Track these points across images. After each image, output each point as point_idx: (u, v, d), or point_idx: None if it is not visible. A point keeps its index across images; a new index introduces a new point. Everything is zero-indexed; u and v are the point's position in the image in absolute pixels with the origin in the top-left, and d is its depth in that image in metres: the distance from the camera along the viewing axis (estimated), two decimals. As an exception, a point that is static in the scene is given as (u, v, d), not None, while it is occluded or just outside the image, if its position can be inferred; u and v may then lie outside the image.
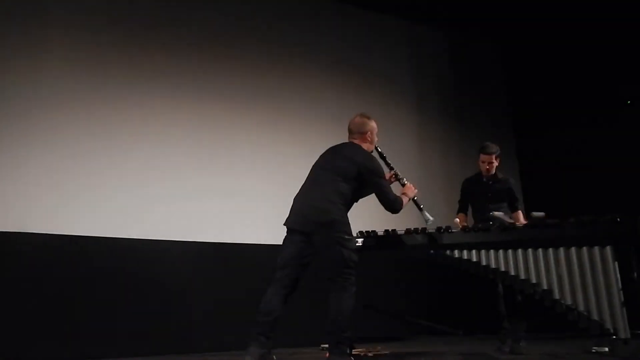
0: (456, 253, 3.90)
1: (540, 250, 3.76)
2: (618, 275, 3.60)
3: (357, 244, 3.79)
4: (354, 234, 4.09)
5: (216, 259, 5.37)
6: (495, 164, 4.61)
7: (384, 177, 3.67)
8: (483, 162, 4.60)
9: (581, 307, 3.62)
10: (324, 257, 3.43)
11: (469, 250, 3.87)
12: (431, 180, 6.85)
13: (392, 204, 3.60)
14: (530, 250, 3.78)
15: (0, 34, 4.84)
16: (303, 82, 6.34)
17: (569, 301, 3.65)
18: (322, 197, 3.47)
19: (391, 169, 3.88)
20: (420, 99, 7.22)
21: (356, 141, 3.72)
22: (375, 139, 3.80)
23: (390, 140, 6.79)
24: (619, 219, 3.68)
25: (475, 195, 4.70)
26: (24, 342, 4.38)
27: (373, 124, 3.78)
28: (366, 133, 3.72)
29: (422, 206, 3.88)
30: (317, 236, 3.41)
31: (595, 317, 3.58)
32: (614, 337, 3.57)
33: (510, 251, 3.81)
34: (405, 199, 3.74)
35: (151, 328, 4.88)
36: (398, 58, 7.19)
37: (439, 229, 3.99)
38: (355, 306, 3.45)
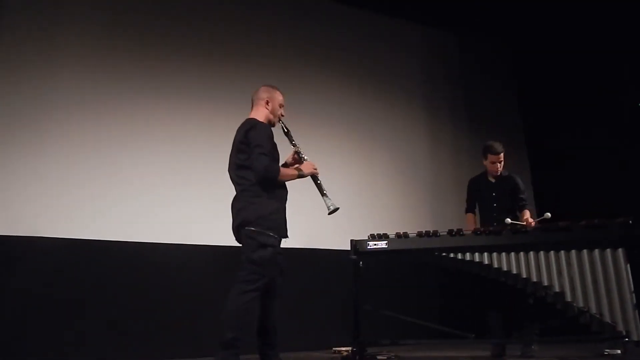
0: (467, 256, 3.91)
1: (552, 252, 3.77)
2: (630, 278, 3.60)
3: (271, 238, 3.29)
4: (365, 237, 4.13)
5: (227, 261, 5.38)
6: (503, 161, 4.62)
7: (261, 143, 3.30)
8: (493, 162, 4.58)
9: (593, 310, 3.62)
10: (242, 255, 3.29)
11: (480, 253, 3.88)
12: (442, 182, 6.86)
13: (261, 171, 3.25)
14: (542, 252, 3.78)
15: (12, 42, 4.89)
16: (312, 85, 6.35)
17: (580, 304, 3.65)
18: (236, 203, 3.38)
19: (293, 145, 3.61)
20: (431, 101, 7.22)
21: (252, 111, 3.55)
22: (279, 109, 3.57)
23: (401, 142, 6.87)
24: (631, 222, 3.68)
25: (481, 194, 4.70)
26: (34, 346, 4.41)
27: (273, 93, 3.57)
28: (262, 100, 3.53)
29: (325, 191, 3.53)
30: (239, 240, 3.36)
31: (607, 319, 3.58)
32: (627, 339, 3.56)
33: (521, 254, 3.82)
34: (291, 171, 3.45)
35: (161, 332, 4.88)
36: (409, 60, 7.20)
37: (450, 231, 4.00)
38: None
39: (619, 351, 3.93)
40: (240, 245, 3.35)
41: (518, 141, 7.53)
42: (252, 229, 3.24)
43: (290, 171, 3.46)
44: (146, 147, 5.29)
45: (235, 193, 3.44)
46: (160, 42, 5.58)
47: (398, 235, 4.10)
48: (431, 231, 4.05)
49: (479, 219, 4.72)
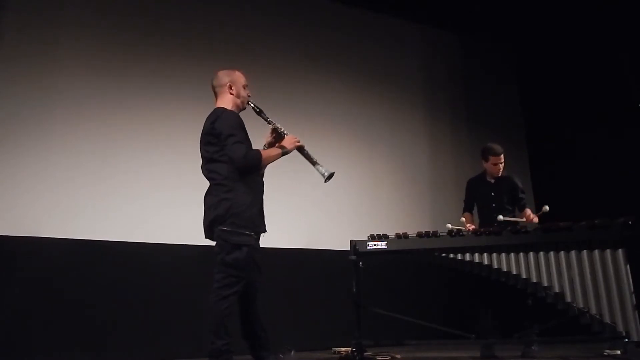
0: (467, 256, 3.91)
1: (552, 253, 3.77)
2: (630, 278, 3.60)
3: (246, 237, 3.13)
4: (365, 237, 4.13)
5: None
6: (504, 162, 4.63)
7: (233, 133, 3.12)
8: (495, 164, 4.61)
9: (593, 310, 3.62)
10: (216, 256, 3.15)
11: (480, 253, 3.88)
12: (442, 182, 6.86)
13: (240, 161, 3.06)
14: (541, 253, 3.78)
15: (15, 43, 4.90)
16: (312, 86, 6.35)
17: (581, 304, 3.65)
18: (207, 198, 3.20)
19: (269, 123, 3.41)
20: (431, 101, 7.22)
21: (217, 100, 3.36)
22: (244, 91, 3.35)
23: (401, 143, 6.87)
24: (630, 222, 3.68)
25: (480, 195, 4.71)
26: (38, 346, 4.42)
27: (235, 75, 3.35)
28: (224, 86, 3.33)
29: (315, 159, 3.36)
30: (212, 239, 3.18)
31: (607, 320, 3.58)
32: (627, 340, 3.56)
33: (521, 254, 3.82)
34: (274, 152, 3.25)
35: (161, 332, 4.89)
36: (409, 61, 7.21)
37: (450, 232, 4.00)
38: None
39: (619, 351, 3.93)
40: (214, 244, 3.17)
41: (519, 141, 7.53)
42: (225, 228, 3.06)
43: (273, 151, 3.25)
44: (149, 148, 5.30)
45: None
46: (162, 43, 5.58)
47: (398, 236, 4.10)
48: (431, 232, 4.05)
49: (479, 219, 4.72)
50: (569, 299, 3.68)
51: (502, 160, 4.60)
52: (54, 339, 4.48)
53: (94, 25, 5.27)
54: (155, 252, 5.05)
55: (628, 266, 3.62)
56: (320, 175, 3.32)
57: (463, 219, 4.60)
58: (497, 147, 4.61)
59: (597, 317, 3.60)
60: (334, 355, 4.78)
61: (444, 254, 3.98)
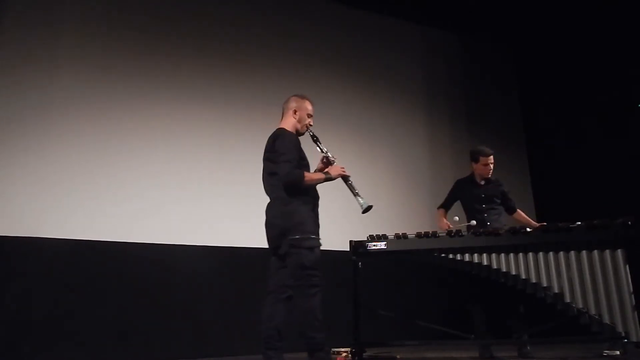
0: (467, 256, 3.91)
1: (551, 253, 3.77)
2: (629, 279, 3.59)
3: (314, 240, 3.38)
4: (365, 237, 4.14)
5: (228, 263, 5.40)
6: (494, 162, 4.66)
7: (286, 152, 3.38)
8: (486, 164, 4.62)
9: (592, 311, 3.62)
10: (287, 264, 3.36)
11: (480, 253, 3.88)
12: (441, 183, 6.83)
13: (283, 178, 3.34)
14: (541, 253, 3.78)
15: (13, 43, 4.91)
16: (312, 86, 6.34)
17: (580, 305, 3.65)
18: (269, 210, 3.46)
19: (321, 151, 3.66)
20: (431, 102, 7.23)
21: (282, 121, 3.62)
22: (307, 119, 3.62)
23: (400, 143, 6.87)
24: (630, 223, 3.68)
25: (468, 196, 4.70)
26: (38, 346, 4.42)
27: (301, 102, 3.63)
28: (290, 110, 3.61)
29: (357, 191, 3.59)
30: (279, 249, 3.38)
31: (606, 320, 3.58)
32: (626, 340, 3.56)
33: (521, 254, 3.82)
34: (318, 176, 3.53)
35: (161, 332, 4.90)
36: (409, 61, 7.21)
37: (449, 232, 4.00)
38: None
39: (618, 352, 3.93)
40: (278, 254, 3.38)
41: (518, 141, 7.53)
42: (296, 236, 3.30)
43: (316, 176, 3.53)
44: (147, 148, 5.31)
45: (267, 201, 3.50)
46: (161, 43, 5.59)
47: (397, 236, 4.09)
48: (430, 232, 4.05)
49: (466, 220, 4.70)
50: (568, 300, 3.67)
51: (492, 160, 4.62)
52: (54, 339, 4.49)
53: (90, 25, 5.29)
54: (155, 252, 5.05)
55: (627, 266, 3.61)
56: (359, 206, 3.52)
57: (456, 217, 4.55)
58: (487, 149, 4.64)
59: (596, 317, 3.60)
60: (334, 356, 4.77)
61: (443, 255, 3.97)
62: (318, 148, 3.65)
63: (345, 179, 3.60)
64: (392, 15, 7.09)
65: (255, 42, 6.10)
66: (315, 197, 3.54)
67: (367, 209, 3.52)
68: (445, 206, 4.83)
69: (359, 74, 6.71)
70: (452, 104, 7.38)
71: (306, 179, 3.39)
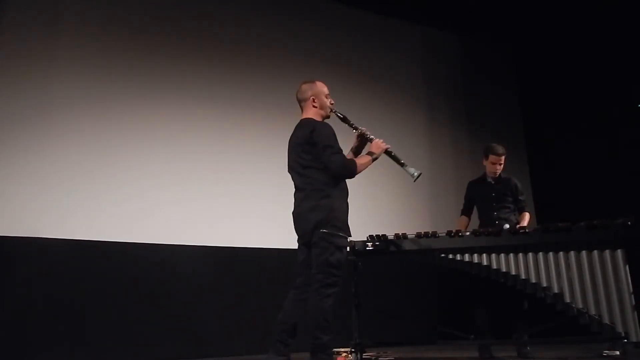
0: (467, 257, 3.90)
1: (550, 253, 3.77)
2: (629, 279, 3.60)
3: (344, 240, 3.32)
4: (364, 238, 4.13)
5: (228, 263, 5.40)
6: (503, 164, 4.64)
7: (331, 144, 3.28)
8: (493, 163, 4.63)
9: (592, 311, 3.62)
10: (312, 254, 3.28)
11: (480, 254, 3.88)
12: (441, 183, 6.85)
13: (338, 171, 3.25)
14: (540, 253, 3.78)
15: (13, 43, 4.90)
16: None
17: (579, 305, 3.65)
18: (301, 203, 3.33)
19: (355, 129, 3.54)
20: (431, 102, 7.22)
21: (303, 112, 3.49)
22: (326, 101, 3.49)
23: (401, 144, 6.83)
24: (630, 223, 3.68)
25: (480, 196, 4.71)
26: (37, 346, 4.42)
27: (317, 87, 3.49)
28: (309, 99, 3.47)
29: (403, 161, 3.46)
30: (310, 241, 3.29)
31: (606, 320, 3.58)
32: (626, 340, 3.56)
33: (520, 255, 3.81)
34: (365, 159, 3.40)
35: (161, 332, 4.90)
36: (409, 61, 7.20)
37: (449, 232, 4.00)
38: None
39: (617, 352, 3.93)
40: (310, 245, 3.28)
41: (518, 142, 7.52)
42: (329, 231, 3.20)
43: (364, 159, 3.39)
44: (147, 147, 5.30)
45: (294, 193, 3.41)
46: (161, 43, 5.59)
47: (397, 236, 4.09)
48: (430, 232, 4.04)
49: (479, 219, 4.72)
50: (568, 300, 3.67)
51: (502, 161, 4.62)
52: (53, 339, 4.49)
53: (90, 25, 5.28)
54: (155, 252, 5.05)
55: (627, 267, 3.62)
56: (409, 176, 3.40)
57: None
58: (500, 148, 4.63)
59: (596, 317, 3.60)
60: (334, 356, 4.77)
61: (443, 255, 3.97)
62: (350, 126, 3.51)
63: (389, 152, 3.47)
64: (392, 15, 7.08)
65: (255, 42, 6.10)
66: (347, 191, 3.43)
67: (418, 176, 3.42)
68: (465, 212, 4.82)
69: (359, 74, 6.70)
70: (452, 104, 7.37)
71: (357, 166, 3.31)
